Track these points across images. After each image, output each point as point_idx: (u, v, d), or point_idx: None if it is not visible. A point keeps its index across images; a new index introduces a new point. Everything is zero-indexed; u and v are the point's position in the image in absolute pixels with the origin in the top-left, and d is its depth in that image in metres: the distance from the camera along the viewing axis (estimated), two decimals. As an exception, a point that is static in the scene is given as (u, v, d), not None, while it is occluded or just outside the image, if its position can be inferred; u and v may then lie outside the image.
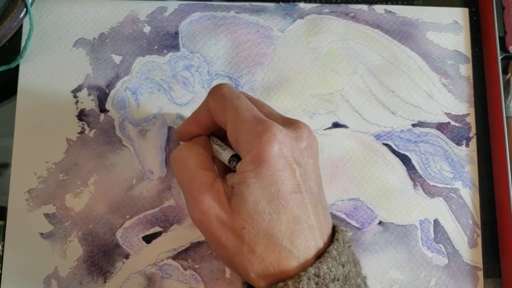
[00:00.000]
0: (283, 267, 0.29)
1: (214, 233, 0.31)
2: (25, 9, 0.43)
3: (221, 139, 0.36)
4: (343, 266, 0.30)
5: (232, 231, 0.30)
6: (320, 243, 0.31)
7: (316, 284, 0.28)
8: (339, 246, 0.31)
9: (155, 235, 0.42)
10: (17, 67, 0.45)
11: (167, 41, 0.46)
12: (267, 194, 0.30)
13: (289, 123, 0.33)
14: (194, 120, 0.36)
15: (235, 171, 0.32)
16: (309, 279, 0.28)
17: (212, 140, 0.35)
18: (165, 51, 0.46)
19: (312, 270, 0.29)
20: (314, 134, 0.33)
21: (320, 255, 0.30)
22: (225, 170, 0.35)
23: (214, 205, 0.31)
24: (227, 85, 0.34)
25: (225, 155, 0.34)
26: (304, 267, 0.29)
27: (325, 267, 0.29)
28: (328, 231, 0.32)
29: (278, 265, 0.29)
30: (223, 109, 0.33)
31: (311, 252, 0.30)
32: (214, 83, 0.45)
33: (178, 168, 0.33)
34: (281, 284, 0.28)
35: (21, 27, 0.45)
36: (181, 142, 0.38)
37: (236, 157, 0.33)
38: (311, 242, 0.30)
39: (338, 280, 0.29)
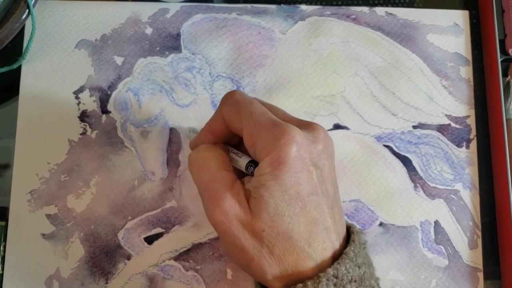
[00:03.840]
0: (300, 269, 0.29)
1: (233, 235, 0.30)
2: (27, 10, 0.43)
3: (236, 148, 0.36)
4: (359, 267, 0.30)
5: (251, 233, 0.30)
6: (336, 244, 0.31)
7: (334, 285, 0.29)
8: (355, 248, 0.31)
9: (157, 236, 0.42)
10: (19, 68, 0.45)
11: (169, 43, 0.46)
12: (287, 196, 0.30)
13: (305, 125, 0.33)
14: (208, 130, 0.35)
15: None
16: (328, 280, 0.28)
17: (228, 149, 0.35)
18: (167, 52, 0.46)
19: (330, 271, 0.29)
20: (329, 136, 0.33)
21: (336, 256, 0.31)
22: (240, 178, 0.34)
23: (235, 206, 0.31)
24: (239, 91, 0.34)
25: (242, 161, 0.34)
26: (321, 268, 0.30)
27: (343, 269, 0.29)
28: (343, 232, 0.33)
29: (296, 267, 0.29)
30: (237, 115, 0.33)
31: (328, 253, 0.30)
32: (216, 85, 0.45)
33: (198, 169, 0.33)
34: (300, 285, 0.29)
35: (23, 28, 0.45)
36: None
37: (254, 163, 0.33)
38: (327, 243, 0.30)
39: (355, 281, 0.30)
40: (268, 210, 0.30)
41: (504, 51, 0.47)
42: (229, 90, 0.35)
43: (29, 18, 0.43)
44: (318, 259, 0.30)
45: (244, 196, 0.31)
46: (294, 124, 0.31)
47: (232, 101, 0.34)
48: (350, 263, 0.30)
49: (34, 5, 0.43)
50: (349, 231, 0.34)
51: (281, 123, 0.31)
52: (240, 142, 0.36)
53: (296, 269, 0.29)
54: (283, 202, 0.30)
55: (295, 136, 0.30)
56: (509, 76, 0.47)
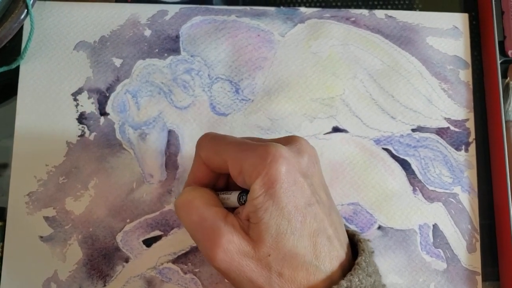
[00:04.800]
0: (312, 283, 0.29)
1: (238, 270, 0.30)
2: (26, 10, 0.43)
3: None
4: (370, 276, 0.30)
5: (257, 262, 0.29)
6: (341, 253, 0.31)
7: None
8: (366, 257, 0.31)
9: (155, 239, 0.42)
10: (18, 68, 0.45)
11: (168, 45, 0.46)
12: (286, 213, 0.29)
13: (285, 140, 0.33)
14: (192, 179, 0.35)
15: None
16: None
17: (216, 193, 0.34)
18: (166, 54, 0.46)
19: (344, 283, 0.29)
20: (311, 144, 0.33)
21: (344, 265, 0.30)
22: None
23: (232, 239, 0.30)
24: (210, 132, 0.35)
25: (233, 196, 0.33)
26: (332, 280, 0.29)
27: (356, 280, 0.29)
28: (345, 238, 0.33)
29: (308, 283, 0.29)
30: (217, 152, 0.33)
31: (335, 263, 0.30)
32: (215, 87, 0.45)
33: (185, 212, 0.32)
34: None
35: (21, 28, 0.45)
36: None
37: (245, 192, 0.32)
38: (333, 253, 0.30)
39: None
40: (270, 233, 0.29)
41: (503, 53, 0.47)
42: (204, 133, 0.35)
43: (28, 18, 0.43)
44: (327, 271, 0.30)
45: (240, 227, 0.30)
46: (271, 141, 0.32)
47: (207, 141, 0.34)
48: (362, 273, 0.30)
49: (32, 5, 0.43)
50: (352, 238, 0.34)
51: (262, 144, 0.31)
52: (226, 184, 0.36)
53: (308, 285, 0.29)
54: (283, 220, 0.29)
55: (281, 152, 0.30)
56: (508, 78, 0.47)
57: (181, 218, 0.33)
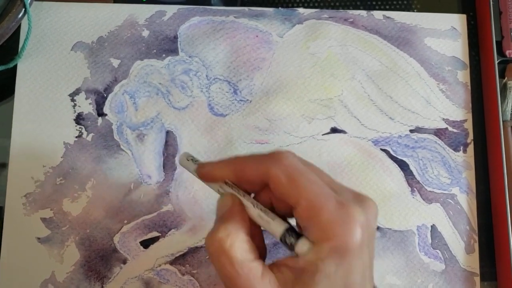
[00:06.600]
0: None
1: None
2: (23, 9, 0.42)
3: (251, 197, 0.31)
4: None
5: None
6: None
7: None
8: None
9: (153, 240, 0.42)
10: (15, 67, 0.45)
11: (166, 45, 0.46)
12: (343, 285, 0.28)
13: (360, 200, 0.30)
14: (235, 170, 0.31)
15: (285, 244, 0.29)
16: None
17: (252, 203, 0.30)
18: (164, 55, 0.45)
19: None
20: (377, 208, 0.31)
21: None
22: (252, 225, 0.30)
23: None
24: (291, 153, 0.31)
25: (275, 226, 0.29)
26: None
27: None
28: None
29: None
30: (292, 184, 0.29)
31: None
32: (213, 87, 0.45)
33: (219, 261, 0.29)
34: None
35: (19, 27, 0.45)
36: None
37: (294, 233, 0.29)
38: None
39: None
40: None
41: (501, 53, 0.47)
42: (278, 149, 0.31)
43: (25, 18, 0.43)
44: None
45: (276, 285, 0.28)
46: (349, 197, 0.29)
47: (287, 164, 0.30)
48: None
49: (30, 4, 0.43)
50: None
51: (346, 204, 0.28)
52: (259, 191, 0.32)
53: None
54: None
55: (362, 221, 0.28)
56: (506, 78, 0.47)
57: (212, 261, 0.30)
